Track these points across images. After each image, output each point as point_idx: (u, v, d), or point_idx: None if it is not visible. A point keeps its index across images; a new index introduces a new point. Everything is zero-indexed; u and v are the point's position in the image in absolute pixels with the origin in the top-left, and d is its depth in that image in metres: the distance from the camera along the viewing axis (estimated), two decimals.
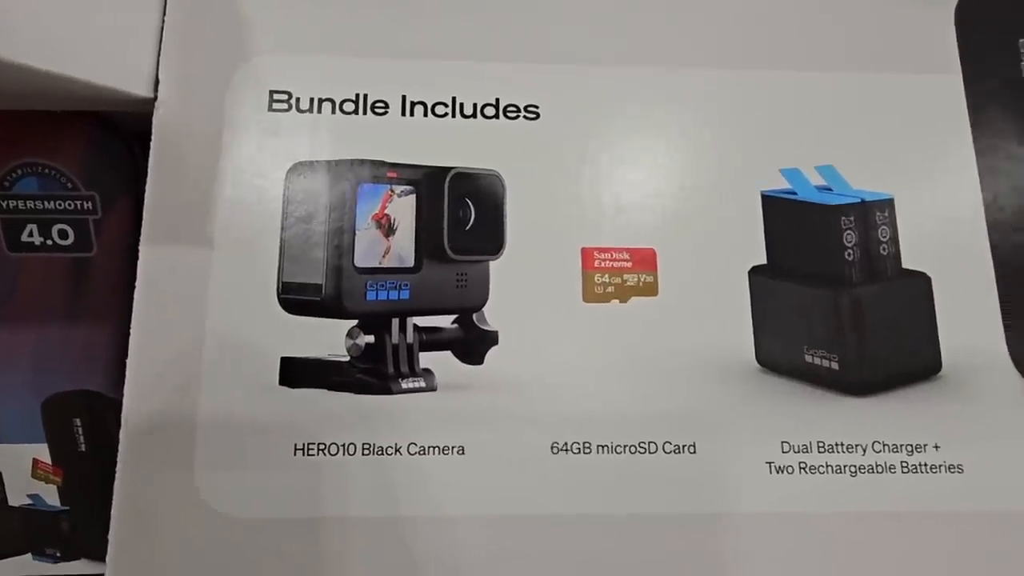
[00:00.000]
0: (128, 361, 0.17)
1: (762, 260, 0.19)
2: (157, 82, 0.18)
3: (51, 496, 0.21)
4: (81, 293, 0.21)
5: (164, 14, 0.19)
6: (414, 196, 0.18)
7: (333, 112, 0.19)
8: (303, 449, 0.17)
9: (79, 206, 0.21)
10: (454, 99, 0.19)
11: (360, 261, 0.17)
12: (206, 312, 0.17)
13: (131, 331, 0.17)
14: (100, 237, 0.21)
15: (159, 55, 0.18)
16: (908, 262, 0.19)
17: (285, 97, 0.19)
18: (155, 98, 0.18)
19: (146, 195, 0.18)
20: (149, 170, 0.18)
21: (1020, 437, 0.18)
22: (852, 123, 0.19)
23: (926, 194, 0.19)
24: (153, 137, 0.18)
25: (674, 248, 0.18)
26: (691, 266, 0.18)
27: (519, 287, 0.18)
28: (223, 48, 0.19)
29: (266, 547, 0.16)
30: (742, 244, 0.19)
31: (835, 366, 0.18)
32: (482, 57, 0.19)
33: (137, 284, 0.17)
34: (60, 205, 0.21)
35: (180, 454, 0.16)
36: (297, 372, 0.17)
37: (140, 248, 0.17)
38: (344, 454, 0.17)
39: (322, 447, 0.17)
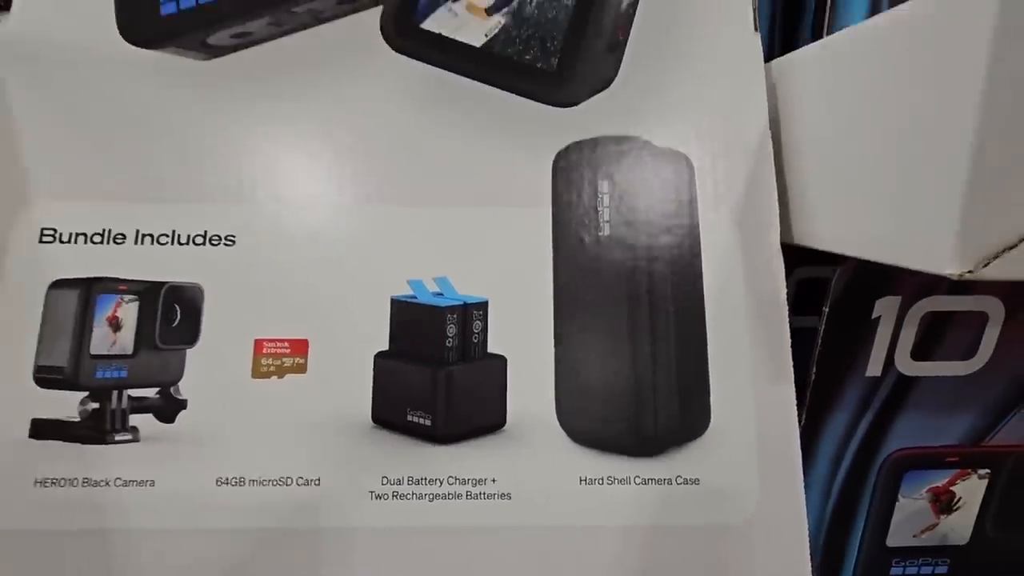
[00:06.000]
0: None
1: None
2: None
3: None
4: None
5: None
6: (138, 303, 0.25)
7: (86, 242, 0.26)
8: (42, 482, 0.24)
9: None
10: (174, 231, 0.26)
11: (94, 350, 0.25)
12: None
13: None
14: None
15: None
16: (495, 346, 0.26)
17: (52, 232, 0.26)
18: None
19: None
20: None
21: (556, 472, 0.25)
22: (468, 244, 0.27)
23: (516, 298, 0.26)
24: None
25: (324, 338, 0.26)
26: (334, 352, 0.26)
27: (208, 366, 0.25)
28: (8, 195, 0.26)
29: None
30: (376, 336, 0.26)
31: (428, 423, 0.25)
32: (194, 200, 0.27)
33: None
34: None
35: None
36: (43, 429, 0.24)
37: None
38: (69, 486, 0.24)
39: (55, 481, 0.24)
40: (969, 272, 0.17)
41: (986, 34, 0.17)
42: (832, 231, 0.26)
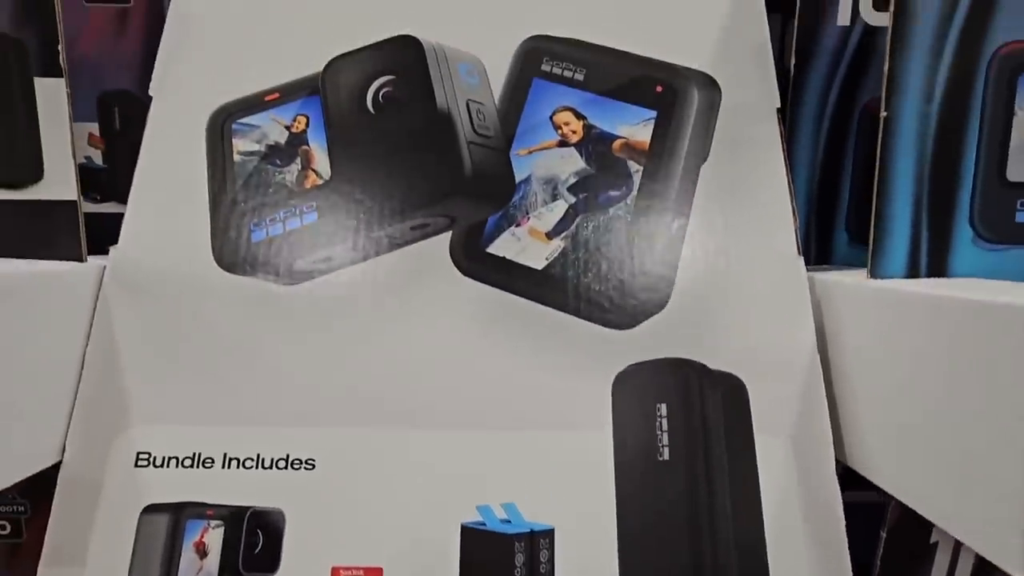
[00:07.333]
0: None
1: None
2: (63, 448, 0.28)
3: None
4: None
5: (75, 398, 0.28)
6: (223, 528, 0.27)
7: (177, 466, 0.28)
8: None
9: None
10: (258, 455, 0.28)
11: None
12: None
13: None
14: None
15: (67, 430, 0.28)
16: (562, 569, 0.27)
17: (147, 456, 0.28)
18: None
19: (48, 530, 0.27)
20: (52, 511, 0.27)
21: None
22: (534, 468, 0.28)
23: (581, 523, 0.27)
24: (59, 487, 0.27)
25: (397, 566, 0.27)
26: None
27: None
28: (109, 420, 0.28)
29: None
30: (447, 563, 0.27)
31: None
32: (277, 424, 0.28)
33: None
34: None
35: None
36: None
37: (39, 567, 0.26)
38: None
39: None
40: None
41: None
42: (888, 471, 0.26)
